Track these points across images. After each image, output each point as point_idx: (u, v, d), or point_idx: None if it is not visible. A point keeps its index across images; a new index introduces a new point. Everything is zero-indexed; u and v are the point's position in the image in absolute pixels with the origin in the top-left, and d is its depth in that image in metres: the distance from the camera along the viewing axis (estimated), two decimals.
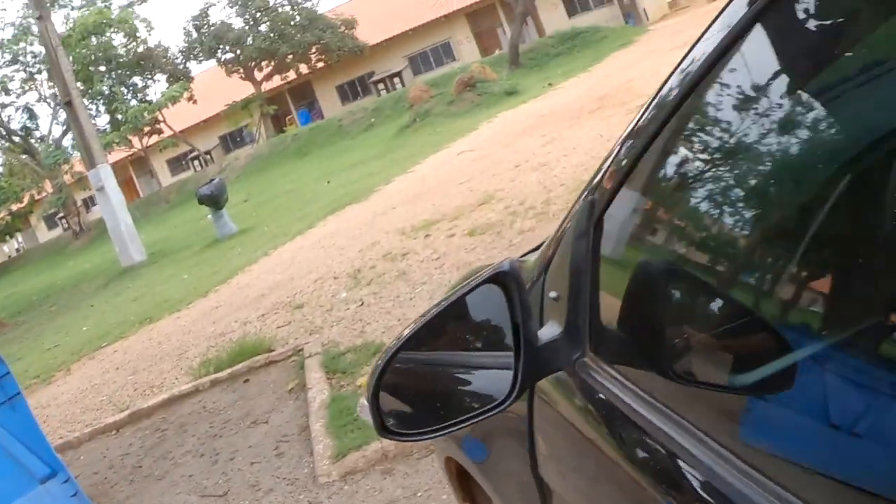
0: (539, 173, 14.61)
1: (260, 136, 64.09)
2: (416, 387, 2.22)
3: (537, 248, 2.59)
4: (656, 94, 1.72)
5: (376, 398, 1.97)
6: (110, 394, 11.90)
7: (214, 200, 24.78)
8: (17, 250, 73.24)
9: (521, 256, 2.79)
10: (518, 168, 16.09)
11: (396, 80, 61.73)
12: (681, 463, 1.50)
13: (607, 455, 1.83)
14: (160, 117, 59.19)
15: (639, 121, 1.78)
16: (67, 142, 57.64)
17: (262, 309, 12.97)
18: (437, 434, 2.06)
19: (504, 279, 1.89)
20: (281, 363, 9.83)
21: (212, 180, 25.73)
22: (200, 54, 64.07)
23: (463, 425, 1.99)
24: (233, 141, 68.73)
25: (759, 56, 1.44)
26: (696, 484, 1.46)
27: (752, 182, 1.52)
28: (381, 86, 62.58)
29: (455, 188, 16.67)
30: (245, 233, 24.56)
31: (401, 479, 6.22)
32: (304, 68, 64.35)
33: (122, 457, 9.08)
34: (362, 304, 10.87)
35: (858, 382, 1.21)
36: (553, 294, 2.09)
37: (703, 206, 1.63)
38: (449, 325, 2.13)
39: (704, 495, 1.42)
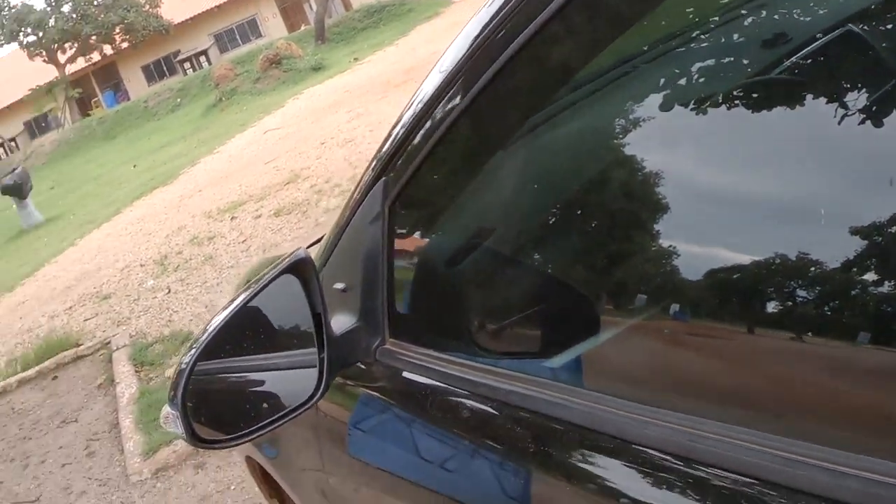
0: (345, 150, 14.60)
1: (65, 120, 61.81)
2: (222, 393, 2.04)
3: (318, 242, 2.52)
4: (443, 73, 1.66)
5: (184, 409, 1.85)
6: None
7: (18, 190, 23.95)
8: None
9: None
10: (324, 145, 16.05)
11: (203, 58, 60.70)
12: (487, 427, 1.55)
13: (421, 429, 1.81)
14: None
15: (429, 97, 1.70)
16: None
17: (70, 301, 12.70)
18: (248, 438, 1.95)
19: (301, 268, 1.84)
20: (89, 357, 9.65)
21: (14, 169, 24.82)
22: (1, 38, 61.78)
23: (273, 427, 1.91)
24: (38, 127, 66.13)
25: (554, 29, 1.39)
26: (501, 444, 1.50)
27: (553, 157, 1.56)
28: (187, 65, 61.41)
29: (261, 168, 16.57)
30: (52, 222, 23.84)
31: (213, 473, 6.19)
32: (108, 49, 62.67)
33: None
34: (169, 291, 10.75)
35: None
36: (340, 285, 2.05)
37: (506, 184, 1.65)
38: (247, 324, 1.97)
39: (511, 451, 1.47)
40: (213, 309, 9.29)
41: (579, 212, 1.50)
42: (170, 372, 8.10)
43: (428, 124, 1.68)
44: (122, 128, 48.96)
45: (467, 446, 1.62)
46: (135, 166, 28.47)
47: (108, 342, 9.68)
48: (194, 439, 1.89)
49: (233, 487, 5.91)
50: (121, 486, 6.57)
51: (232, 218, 13.18)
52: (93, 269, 14.37)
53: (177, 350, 8.58)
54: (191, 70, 59.93)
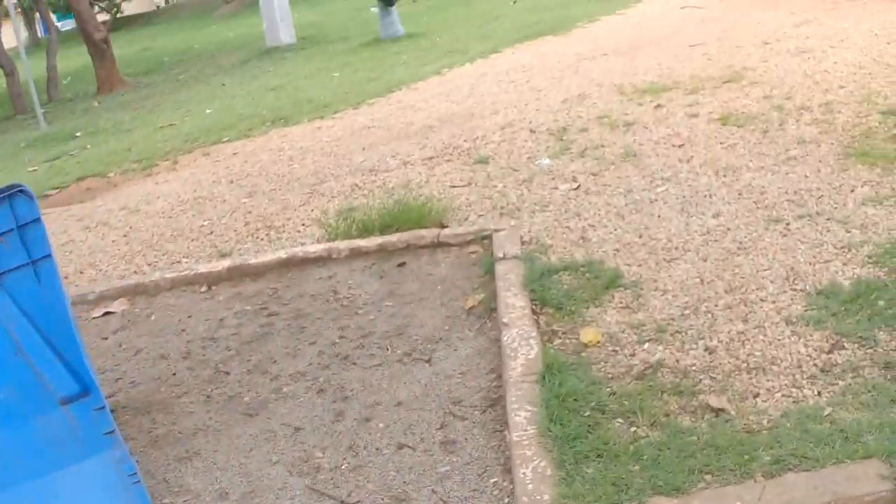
0: (801, 61, 11.26)
1: None
2: None
3: None
4: None
5: None
6: (215, 219, 9.04)
7: None
8: (166, 1, 72.69)
9: None
10: (768, 46, 12.64)
11: None
12: None
13: None
14: None
15: None
16: None
17: (431, 148, 9.94)
18: None
19: None
20: (456, 250, 6.85)
21: None
22: None
23: None
24: None
25: None
26: None
27: None
28: None
29: (685, 51, 13.29)
30: (413, 39, 21.36)
31: None
32: None
33: (204, 342, 6.21)
34: (578, 186, 7.79)
35: None
36: None
37: None
38: None
39: None
40: (650, 243, 6.37)
41: None
42: (587, 334, 5.17)
43: None
44: None
45: None
46: (514, 2, 25.61)
47: (488, 236, 6.81)
48: None
49: None
50: None
51: (656, 106, 10.06)
52: (461, 112, 11.54)
53: (597, 297, 5.62)
54: None
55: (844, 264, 5.55)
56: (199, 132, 14.36)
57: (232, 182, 10.43)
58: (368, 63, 18.68)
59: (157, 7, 69.54)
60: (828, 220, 6.24)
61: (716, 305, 5.31)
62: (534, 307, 5.54)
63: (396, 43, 21.15)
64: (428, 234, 7.02)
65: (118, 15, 59.35)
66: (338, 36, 25.83)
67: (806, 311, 5.05)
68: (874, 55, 10.85)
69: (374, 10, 23.60)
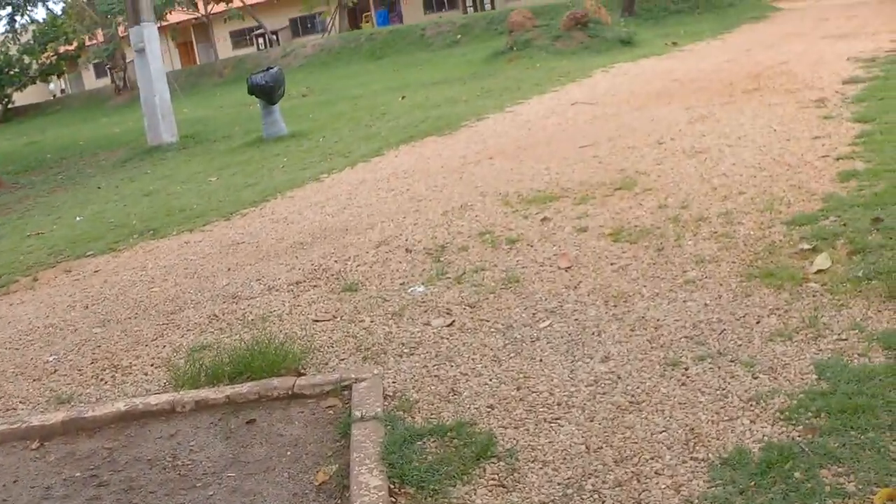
0: (697, 162, 10.75)
1: (333, 27, 61.27)
2: None
3: None
4: None
5: None
6: (62, 354, 8.09)
7: (268, 94, 20.88)
8: (62, 91, 72.49)
9: None
10: (663, 146, 12.13)
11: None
12: None
13: None
14: None
15: None
16: None
17: (299, 271, 9.12)
18: None
19: None
20: (312, 404, 6.01)
21: (269, 69, 21.60)
22: None
23: None
24: (303, 27, 67.03)
25: None
26: None
27: None
28: (469, 1, 60.01)
29: (576, 153, 12.70)
30: (296, 138, 20.66)
31: None
32: None
33: None
34: (452, 322, 7.03)
35: None
36: None
37: None
38: None
39: None
40: (529, 397, 5.63)
41: None
42: None
43: None
44: (391, 51, 47.64)
45: None
46: (403, 98, 25.15)
47: (348, 387, 6.01)
48: None
49: None
50: None
51: (542, 219, 9.38)
52: (336, 226, 10.76)
53: (466, 471, 4.83)
54: (471, 9, 59.23)
55: (752, 422, 4.84)
56: (66, 243, 13.44)
57: (87, 307, 9.52)
58: (248, 166, 17.91)
59: (54, 96, 69.30)
60: (731, 361, 5.57)
61: (603, 482, 4.54)
62: (392, 486, 4.73)
63: (279, 143, 20.45)
64: (281, 384, 6.18)
65: (9, 105, 58.96)
66: (221, 134, 25.12)
67: (709, 487, 4.31)
68: (774, 154, 10.40)
69: (259, 105, 22.99)
